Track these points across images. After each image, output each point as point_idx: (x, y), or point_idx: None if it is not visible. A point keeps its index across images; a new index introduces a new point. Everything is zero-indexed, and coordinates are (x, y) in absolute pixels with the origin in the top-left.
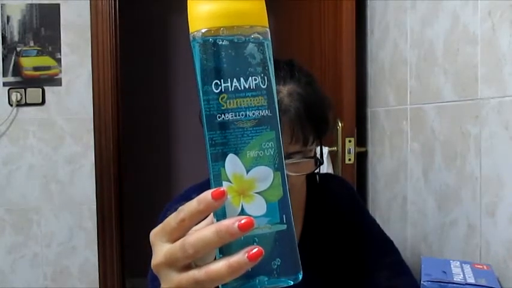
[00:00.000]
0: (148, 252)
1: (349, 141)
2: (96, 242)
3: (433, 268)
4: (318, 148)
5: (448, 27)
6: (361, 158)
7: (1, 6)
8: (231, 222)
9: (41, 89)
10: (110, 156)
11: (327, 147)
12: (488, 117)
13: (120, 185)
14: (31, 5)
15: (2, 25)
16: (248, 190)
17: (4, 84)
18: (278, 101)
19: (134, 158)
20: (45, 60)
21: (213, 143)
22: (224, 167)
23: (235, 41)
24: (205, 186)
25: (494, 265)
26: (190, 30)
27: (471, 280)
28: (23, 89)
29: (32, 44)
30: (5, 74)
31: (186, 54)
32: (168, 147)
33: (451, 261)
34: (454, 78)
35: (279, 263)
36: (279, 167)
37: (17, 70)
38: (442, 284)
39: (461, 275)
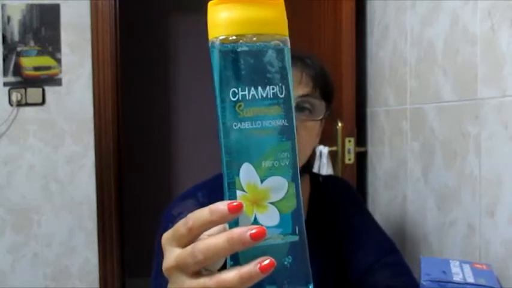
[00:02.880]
0: (148, 252)
1: (349, 141)
2: (96, 242)
3: (433, 268)
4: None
5: (447, 27)
6: (361, 158)
7: (1, 7)
8: (243, 231)
9: (41, 89)
10: (110, 156)
11: (327, 147)
12: (488, 117)
13: (120, 185)
14: (31, 5)
15: (2, 25)
16: (262, 200)
17: (4, 84)
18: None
19: (134, 158)
20: (46, 60)
21: (229, 150)
22: (239, 175)
23: (255, 49)
24: (208, 185)
25: (494, 265)
26: (210, 36)
27: (471, 280)
28: (23, 89)
29: (32, 44)
30: (5, 74)
31: (186, 54)
32: (168, 147)
33: (450, 261)
34: (454, 78)
35: (289, 274)
36: (293, 177)
37: (18, 70)
38: (441, 283)
39: (461, 275)
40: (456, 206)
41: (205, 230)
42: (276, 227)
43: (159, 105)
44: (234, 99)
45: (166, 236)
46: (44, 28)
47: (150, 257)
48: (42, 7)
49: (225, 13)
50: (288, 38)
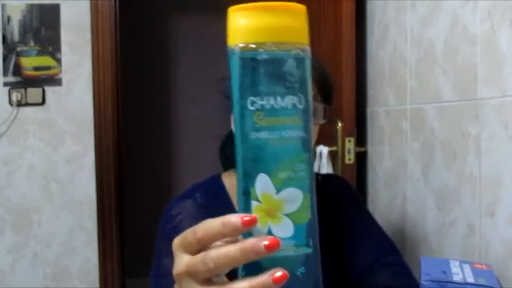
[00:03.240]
0: (148, 252)
1: (349, 141)
2: (96, 242)
3: (433, 268)
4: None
5: (447, 27)
6: (361, 158)
7: (1, 7)
8: (258, 241)
9: (41, 89)
10: (110, 156)
11: (327, 147)
12: (488, 117)
13: (120, 185)
14: (31, 5)
15: (2, 25)
16: (276, 211)
17: (4, 84)
18: None
19: (134, 157)
20: (46, 60)
21: (245, 158)
22: (254, 185)
23: (275, 57)
24: (206, 186)
25: (494, 265)
26: (229, 43)
27: (471, 280)
28: (24, 89)
29: (32, 44)
30: (5, 74)
31: (186, 54)
32: (168, 147)
33: (450, 261)
34: (454, 78)
35: (301, 286)
36: (309, 189)
37: (18, 70)
38: (441, 283)
39: (461, 275)
40: (456, 206)
41: (216, 241)
42: (290, 238)
43: (159, 105)
44: (253, 108)
45: (176, 242)
46: (44, 28)
47: (150, 257)
48: (42, 7)
49: (245, 20)
50: (308, 47)
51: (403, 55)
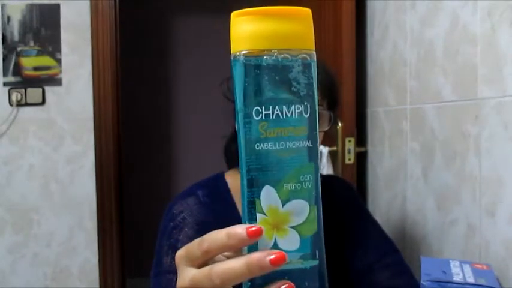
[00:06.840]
0: (148, 252)
1: (349, 141)
2: (96, 242)
3: (433, 268)
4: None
5: (447, 27)
6: (361, 158)
7: (1, 6)
8: (263, 256)
9: (41, 89)
10: (110, 156)
11: (327, 147)
12: (488, 117)
13: (120, 185)
14: (31, 5)
15: (2, 25)
16: (282, 224)
17: (4, 84)
18: None
19: (134, 158)
20: (45, 60)
21: (250, 169)
22: (259, 197)
23: (281, 64)
24: (208, 185)
25: (494, 265)
26: (232, 50)
27: (471, 280)
28: (23, 89)
29: (32, 44)
30: (5, 74)
31: (186, 54)
32: (168, 147)
33: (450, 261)
34: (454, 78)
35: None
36: (316, 200)
37: (17, 70)
38: (441, 283)
39: (461, 275)
40: (456, 206)
41: (222, 253)
42: (296, 251)
43: (159, 105)
44: (258, 118)
45: (180, 254)
46: (44, 28)
47: (150, 257)
48: (42, 7)
49: (249, 26)
50: (314, 53)
51: (403, 55)
